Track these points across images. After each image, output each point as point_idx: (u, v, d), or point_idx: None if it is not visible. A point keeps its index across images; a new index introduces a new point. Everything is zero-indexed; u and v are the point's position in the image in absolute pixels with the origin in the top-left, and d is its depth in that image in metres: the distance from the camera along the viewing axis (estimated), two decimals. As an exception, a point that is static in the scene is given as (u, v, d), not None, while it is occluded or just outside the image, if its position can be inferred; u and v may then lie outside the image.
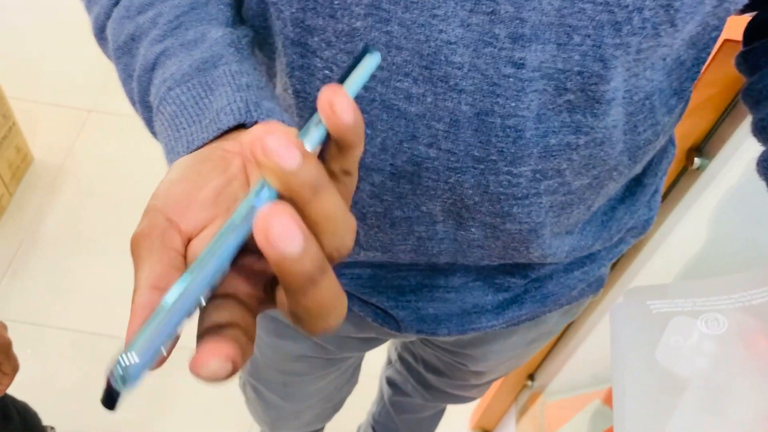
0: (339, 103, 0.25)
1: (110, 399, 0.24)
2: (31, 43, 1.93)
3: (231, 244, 0.25)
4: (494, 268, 0.57)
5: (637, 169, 0.51)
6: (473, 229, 0.49)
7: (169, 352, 0.27)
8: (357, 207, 0.49)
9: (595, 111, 0.42)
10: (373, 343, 0.75)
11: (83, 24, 1.95)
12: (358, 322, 0.66)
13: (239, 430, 1.38)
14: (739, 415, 0.40)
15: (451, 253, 0.52)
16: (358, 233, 0.52)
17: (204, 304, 0.25)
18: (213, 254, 0.25)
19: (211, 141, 0.33)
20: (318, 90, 0.39)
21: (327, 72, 0.43)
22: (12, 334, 0.86)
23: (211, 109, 0.35)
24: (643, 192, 0.57)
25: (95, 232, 1.59)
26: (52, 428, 1.20)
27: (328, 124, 0.25)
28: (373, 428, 1.24)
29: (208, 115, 0.34)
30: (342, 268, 0.58)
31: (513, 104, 0.41)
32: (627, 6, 0.37)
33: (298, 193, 0.24)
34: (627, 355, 0.45)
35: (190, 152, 0.33)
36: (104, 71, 1.90)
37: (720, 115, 0.72)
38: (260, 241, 0.23)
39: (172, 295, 0.24)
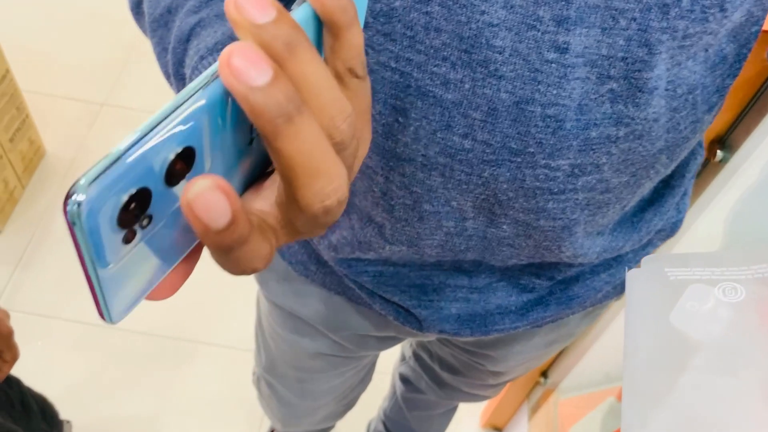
0: None
1: (75, 244, 0.21)
2: (45, 36, 1.94)
3: (201, 93, 0.22)
4: (520, 268, 0.56)
5: (672, 167, 0.50)
6: (504, 226, 0.48)
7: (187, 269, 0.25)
8: (385, 198, 0.48)
9: (637, 100, 0.40)
10: (391, 341, 0.74)
11: (97, 17, 1.94)
12: (378, 320, 0.66)
13: (250, 425, 1.37)
14: (749, 376, 0.40)
15: (479, 251, 0.51)
16: (384, 226, 0.50)
17: (171, 158, 0.22)
18: (176, 103, 0.22)
19: None
20: None
21: None
22: (23, 326, 0.86)
23: None
24: (672, 194, 0.56)
25: (107, 225, 1.59)
26: (68, 422, 1.20)
27: None
28: (384, 424, 1.24)
29: None
30: (365, 265, 0.57)
31: (554, 92, 0.39)
32: None
33: (270, 48, 0.22)
34: (641, 316, 0.45)
35: None
36: (118, 65, 1.90)
37: (744, 107, 0.71)
38: (225, 75, 0.21)
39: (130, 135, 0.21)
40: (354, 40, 0.25)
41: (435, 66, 0.39)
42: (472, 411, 1.42)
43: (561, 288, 0.58)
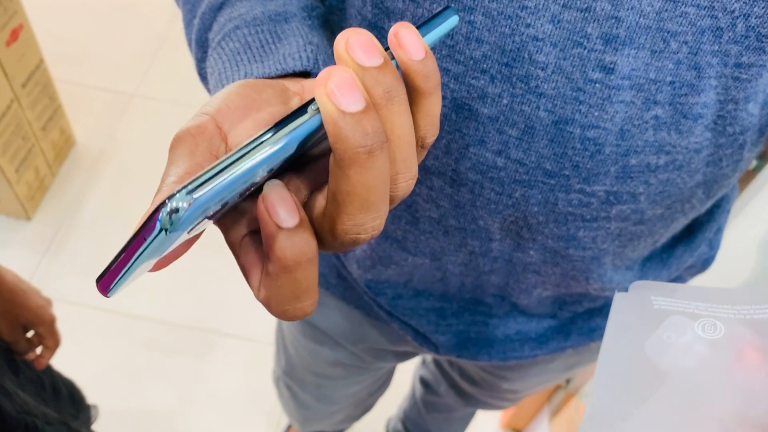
0: (406, 36, 0.24)
1: (147, 238, 0.22)
2: (78, 27, 1.96)
3: (305, 126, 0.23)
4: (543, 298, 0.54)
5: (707, 205, 0.48)
6: (532, 252, 0.46)
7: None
8: (410, 210, 0.47)
9: (680, 127, 0.38)
10: (409, 355, 0.74)
11: (130, 9, 1.95)
12: (395, 337, 0.65)
13: (269, 416, 1.38)
14: (711, 413, 0.40)
15: (503, 275, 0.50)
16: (407, 239, 0.50)
17: (257, 180, 0.23)
18: (287, 129, 0.23)
19: (271, 78, 0.32)
20: None
21: None
22: (51, 313, 0.87)
23: (277, 54, 0.33)
24: (703, 230, 0.54)
25: (134, 215, 1.61)
26: (95, 406, 1.22)
27: (397, 58, 0.24)
28: (403, 422, 1.24)
29: (272, 58, 0.33)
30: (385, 287, 0.56)
31: (596, 114, 0.37)
32: (733, 11, 0.34)
33: (371, 91, 0.23)
34: (618, 340, 0.45)
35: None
36: (148, 56, 1.91)
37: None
38: (319, 95, 0.22)
39: (245, 150, 0.23)
40: (432, 109, 0.25)
41: (473, 78, 0.38)
42: (492, 412, 1.41)
43: (583, 318, 0.57)
